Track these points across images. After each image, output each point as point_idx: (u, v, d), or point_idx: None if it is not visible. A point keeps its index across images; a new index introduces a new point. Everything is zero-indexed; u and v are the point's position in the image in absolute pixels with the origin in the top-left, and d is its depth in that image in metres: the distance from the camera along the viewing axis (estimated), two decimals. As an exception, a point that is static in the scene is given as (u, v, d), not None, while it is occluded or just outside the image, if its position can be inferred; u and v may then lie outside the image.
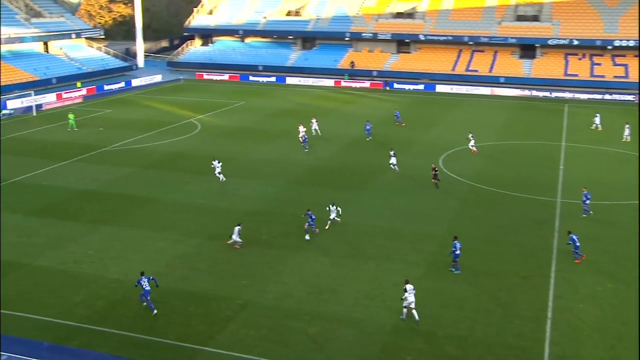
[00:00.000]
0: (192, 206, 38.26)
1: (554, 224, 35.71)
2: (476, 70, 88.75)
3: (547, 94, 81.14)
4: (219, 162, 43.62)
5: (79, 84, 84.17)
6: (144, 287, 26.12)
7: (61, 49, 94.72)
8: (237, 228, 32.26)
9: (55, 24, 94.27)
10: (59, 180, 43.42)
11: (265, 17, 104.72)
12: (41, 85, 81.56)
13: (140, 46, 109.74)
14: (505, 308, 26.78)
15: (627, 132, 55.70)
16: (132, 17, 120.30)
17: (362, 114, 68.56)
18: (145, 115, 66.49)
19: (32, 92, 71.81)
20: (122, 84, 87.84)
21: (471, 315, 26.20)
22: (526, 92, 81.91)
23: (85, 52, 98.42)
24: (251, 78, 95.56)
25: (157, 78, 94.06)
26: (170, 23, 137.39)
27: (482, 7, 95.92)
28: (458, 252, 29.56)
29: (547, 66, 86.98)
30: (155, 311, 26.00)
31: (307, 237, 33.24)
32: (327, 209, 35.33)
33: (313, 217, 33.53)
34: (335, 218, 35.18)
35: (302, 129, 54.09)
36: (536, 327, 25.41)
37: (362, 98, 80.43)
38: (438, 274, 29.66)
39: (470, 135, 52.40)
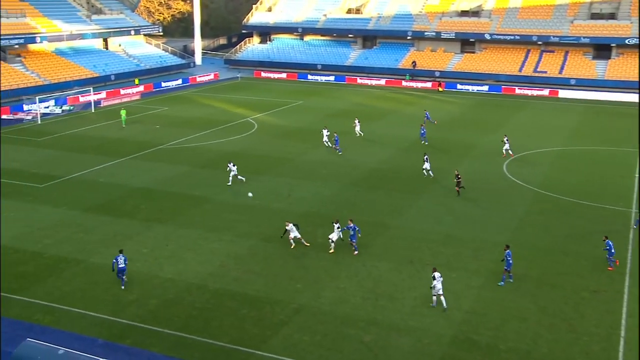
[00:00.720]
0: (246, 207, 38.69)
1: (627, 236, 34.58)
2: (545, 72, 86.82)
3: (622, 96, 78.72)
4: (234, 165, 43.06)
5: (136, 81, 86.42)
6: (119, 265, 28.20)
7: (120, 45, 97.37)
8: (291, 225, 32.60)
9: (115, 20, 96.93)
10: (115, 177, 44.61)
11: (325, 15, 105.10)
12: (100, 82, 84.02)
13: (198, 43, 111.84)
14: (573, 323, 26.05)
15: None
16: (190, 14, 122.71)
17: (422, 115, 68.00)
18: (201, 114, 67.65)
19: (90, 88, 74.06)
20: (179, 82, 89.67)
21: (535, 329, 25.61)
22: (599, 95, 79.64)
23: (144, 49, 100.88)
24: (309, 77, 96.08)
25: (215, 76, 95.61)
26: (228, 20, 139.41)
27: (553, 5, 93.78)
28: (511, 261, 28.94)
29: (623, 67, 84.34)
30: (123, 287, 28.21)
31: (330, 250, 31.78)
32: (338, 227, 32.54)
33: (355, 229, 31.78)
34: (339, 237, 32.36)
35: (325, 132, 53.53)
36: (607, 346, 24.58)
37: (423, 99, 79.73)
38: (499, 284, 29.12)
39: (505, 139, 51.14)
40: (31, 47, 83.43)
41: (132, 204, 39.13)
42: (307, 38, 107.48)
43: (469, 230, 35.25)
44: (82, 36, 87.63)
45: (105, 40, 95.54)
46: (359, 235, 32.37)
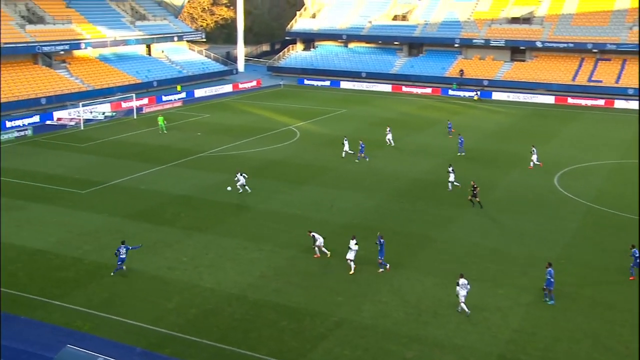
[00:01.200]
0: (287, 216, 38.87)
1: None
2: (600, 81, 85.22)
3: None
4: (242, 175, 42.65)
5: (179, 88, 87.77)
6: (120, 255, 30.43)
7: (163, 51, 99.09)
8: (316, 235, 33.03)
9: (159, 26, 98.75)
10: (157, 184, 45.33)
11: (370, 22, 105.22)
12: (142, 88, 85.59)
13: (241, 50, 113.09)
14: (631, 347, 25.33)
15: None
16: (233, 20, 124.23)
17: (470, 125, 67.43)
18: (243, 121, 68.32)
19: (133, 94, 75.46)
20: (222, 88, 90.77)
21: (588, 351, 25.01)
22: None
23: (187, 55, 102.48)
24: (353, 85, 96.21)
25: (257, 83, 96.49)
26: (271, 27, 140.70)
27: (610, 11, 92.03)
28: (552, 280, 28.32)
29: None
30: (113, 272, 30.77)
31: (380, 269, 31.32)
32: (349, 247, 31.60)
33: (381, 241, 31.39)
34: (350, 261, 31.30)
35: (346, 143, 53.42)
36: (664, 370, 23.87)
37: (471, 109, 79.08)
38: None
39: (533, 149, 50.59)
40: (76, 53, 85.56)
41: (172, 212, 39.68)
42: (351, 45, 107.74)
43: (518, 245, 34.73)
44: (125, 42, 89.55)
45: (148, 47, 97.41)
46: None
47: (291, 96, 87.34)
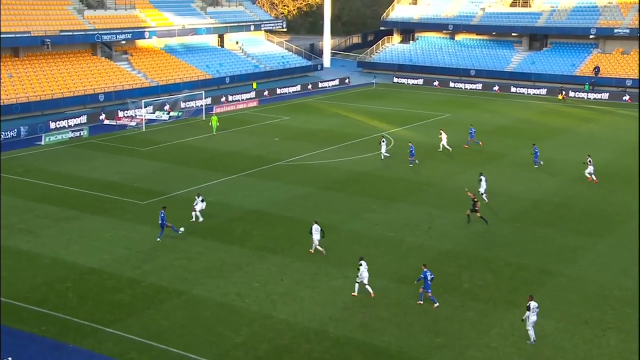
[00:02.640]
0: (377, 239, 38.78)
1: None
2: None
3: None
4: (201, 199, 41.68)
5: (254, 85, 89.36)
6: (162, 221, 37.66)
7: (237, 42, 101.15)
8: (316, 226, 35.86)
9: (233, 13, 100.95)
10: (225, 196, 46.17)
11: (483, 9, 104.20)
12: (213, 85, 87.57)
13: (327, 42, 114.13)
14: None
15: None
16: (319, 7, 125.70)
17: (604, 136, 65.59)
18: (328, 125, 68.79)
19: (202, 92, 77.33)
20: (305, 87, 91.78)
21: None
22: None
23: (264, 48, 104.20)
24: (461, 84, 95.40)
25: (346, 81, 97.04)
26: (364, 15, 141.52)
27: None
28: None
29: None
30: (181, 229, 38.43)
31: (419, 301, 31.21)
32: (358, 269, 32.04)
33: (429, 277, 30.97)
34: (367, 287, 31.99)
35: (384, 145, 55.43)
36: None
37: (607, 115, 76.97)
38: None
39: (588, 160, 50.22)
40: (139, 43, 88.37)
41: (243, 229, 40.29)
42: (459, 37, 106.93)
43: (663, 285, 33.38)
44: (195, 31, 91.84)
45: (220, 37, 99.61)
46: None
47: (385, 97, 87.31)
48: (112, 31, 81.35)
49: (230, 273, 34.29)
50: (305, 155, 57.06)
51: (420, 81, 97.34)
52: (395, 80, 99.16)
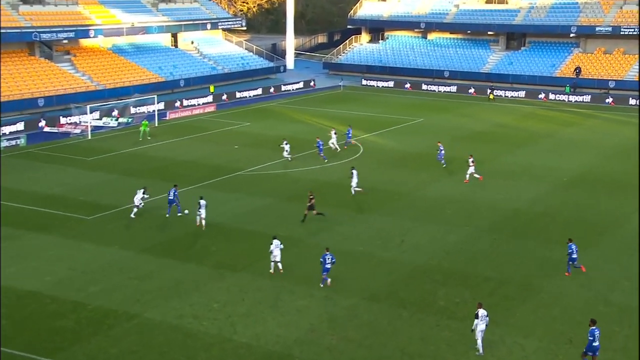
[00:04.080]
0: (346, 253, 38.70)
1: None
2: None
3: None
4: (144, 192, 44.98)
5: (212, 89, 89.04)
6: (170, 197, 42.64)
7: (193, 42, 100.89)
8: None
9: (187, 10, 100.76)
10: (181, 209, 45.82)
11: (457, 6, 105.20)
12: (166, 88, 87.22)
13: (290, 42, 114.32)
14: None
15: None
16: (282, 4, 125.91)
17: (587, 140, 66.45)
18: (292, 132, 68.72)
19: (154, 96, 76.84)
20: (267, 90, 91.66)
21: None
22: None
23: (222, 48, 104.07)
24: (434, 87, 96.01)
25: (311, 83, 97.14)
26: (330, 12, 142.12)
27: None
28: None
29: None
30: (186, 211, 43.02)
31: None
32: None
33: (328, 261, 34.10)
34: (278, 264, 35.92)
35: (287, 146, 57.40)
36: None
37: (589, 119, 77.97)
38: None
39: (470, 160, 52.31)
40: (83, 42, 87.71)
41: (201, 245, 40.01)
42: (431, 36, 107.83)
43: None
44: (145, 30, 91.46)
45: (174, 36, 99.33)
46: (332, 263, 34.67)
47: (353, 100, 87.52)
48: (52, 29, 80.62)
49: (187, 293, 33.99)
50: (268, 164, 56.92)
51: (391, 83, 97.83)
52: (364, 82, 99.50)
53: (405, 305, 32.58)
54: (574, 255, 36.12)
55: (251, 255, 38.48)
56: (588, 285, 35.45)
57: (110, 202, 47.23)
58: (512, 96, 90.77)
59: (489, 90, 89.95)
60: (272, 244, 36.34)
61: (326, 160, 57.30)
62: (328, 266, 34.49)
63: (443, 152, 56.82)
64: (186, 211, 43.76)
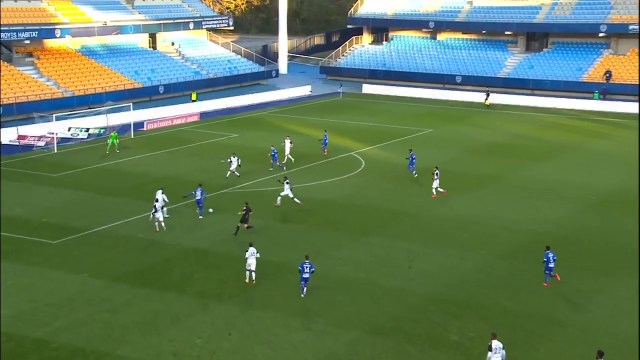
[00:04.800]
0: (346, 281, 38.58)
1: None
2: None
3: None
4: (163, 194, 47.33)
5: (194, 96, 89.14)
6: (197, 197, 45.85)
7: (173, 44, 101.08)
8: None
9: (167, 8, 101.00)
10: (160, 232, 45.60)
11: (470, 3, 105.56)
12: (143, 95, 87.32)
13: (283, 43, 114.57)
14: None
15: None
16: (273, 1, 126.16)
17: (618, 154, 66.48)
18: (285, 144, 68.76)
19: (130, 104, 76.77)
20: (256, 98, 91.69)
21: None
22: None
23: (206, 50, 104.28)
24: (444, 93, 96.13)
25: (306, 90, 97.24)
26: (327, 10, 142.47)
27: None
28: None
29: None
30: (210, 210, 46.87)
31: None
32: None
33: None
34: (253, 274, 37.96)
35: (235, 160, 57.59)
36: None
37: (620, 129, 78.14)
38: None
39: (435, 172, 53.13)
40: (48, 43, 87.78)
41: (181, 272, 39.81)
42: (441, 36, 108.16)
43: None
44: (119, 30, 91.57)
45: (152, 37, 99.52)
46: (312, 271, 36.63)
47: (353, 109, 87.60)
48: (11, 28, 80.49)
49: (166, 327, 33.80)
50: (258, 181, 56.86)
51: (396, 90, 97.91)
52: (366, 89, 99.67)
53: (413, 340, 32.42)
54: (550, 265, 37.90)
55: (239, 284, 38.29)
56: (622, 319, 35.19)
57: (79, 224, 47.04)
58: (532, 104, 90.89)
59: (485, 96, 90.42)
60: (247, 251, 37.68)
61: (284, 169, 58.74)
62: (306, 276, 36.32)
63: (415, 159, 58.12)
64: (210, 210, 48.48)
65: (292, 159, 61.87)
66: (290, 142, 62.41)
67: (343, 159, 63.71)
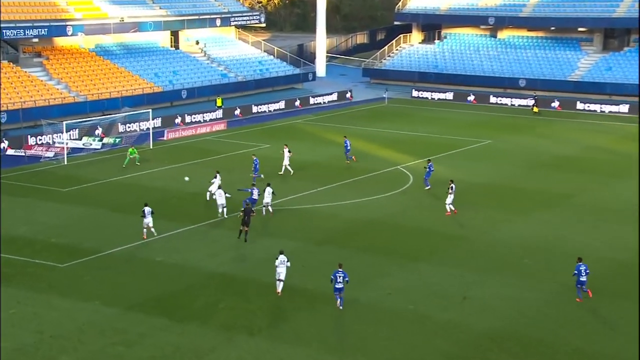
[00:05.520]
0: (392, 314, 38.36)
1: None
2: None
3: None
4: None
5: (220, 102, 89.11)
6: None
7: (198, 43, 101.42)
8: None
9: (191, 3, 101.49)
10: (182, 254, 45.73)
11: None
12: (164, 101, 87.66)
13: (321, 42, 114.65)
14: None
15: None
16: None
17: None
18: (323, 156, 68.91)
19: (149, 111, 77.06)
20: (291, 104, 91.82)
21: None
22: None
23: (235, 50, 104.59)
24: (506, 100, 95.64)
25: (348, 95, 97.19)
26: (371, 5, 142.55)
27: None
28: None
29: None
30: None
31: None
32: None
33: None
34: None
35: (217, 181, 56.60)
36: None
37: None
38: None
39: (450, 187, 53.49)
40: (59, 42, 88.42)
41: (205, 300, 39.78)
42: (503, 34, 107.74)
43: None
44: (138, 27, 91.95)
45: (174, 35, 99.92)
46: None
47: (401, 117, 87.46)
48: (18, 24, 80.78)
49: (187, 363, 33.84)
50: (293, 197, 56.84)
51: (450, 95, 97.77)
52: (415, 94, 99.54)
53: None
54: (582, 278, 38.87)
55: (271, 314, 38.25)
56: None
57: (91, 245, 47.22)
58: (609, 111, 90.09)
59: (532, 101, 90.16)
60: (277, 258, 38.87)
61: (262, 177, 59.55)
62: (339, 286, 37.94)
63: (432, 170, 58.62)
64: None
65: (292, 171, 62.59)
66: (289, 151, 63.02)
67: (388, 173, 63.45)
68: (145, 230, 47.24)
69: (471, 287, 41.78)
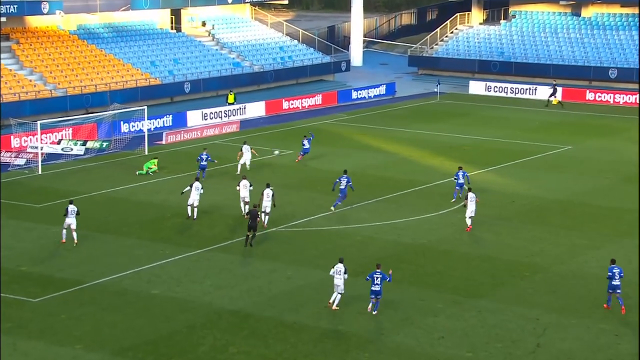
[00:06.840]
0: (446, 362, 38.46)
1: None
2: None
3: None
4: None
5: (231, 97, 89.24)
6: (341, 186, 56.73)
7: (204, 24, 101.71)
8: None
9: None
10: (182, 287, 45.91)
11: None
12: (162, 96, 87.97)
13: (357, 24, 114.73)
14: None
15: None
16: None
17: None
18: (360, 165, 69.02)
19: (143, 108, 77.37)
20: (319, 100, 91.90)
21: None
22: None
23: (250, 33, 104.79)
24: (590, 94, 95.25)
25: (390, 90, 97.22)
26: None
27: None
28: None
29: None
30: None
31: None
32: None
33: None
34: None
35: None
36: None
37: None
38: None
39: (468, 196, 54.56)
40: (32, 21, 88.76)
41: (212, 344, 39.81)
42: (588, 12, 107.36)
43: None
44: (130, 4, 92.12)
45: (175, 14, 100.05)
46: None
47: (456, 116, 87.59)
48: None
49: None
50: (321, 216, 57.00)
51: (519, 89, 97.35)
52: (474, 88, 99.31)
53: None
54: (615, 282, 40.74)
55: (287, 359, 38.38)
56: None
57: (70, 274, 47.38)
58: None
59: (550, 90, 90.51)
60: (333, 267, 40.99)
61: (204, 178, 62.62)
62: (376, 288, 41.28)
63: (462, 181, 59.42)
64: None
65: (248, 167, 65.68)
66: (252, 148, 65.80)
67: (441, 186, 63.40)
68: (64, 232, 48.58)
69: (546, 330, 41.62)
